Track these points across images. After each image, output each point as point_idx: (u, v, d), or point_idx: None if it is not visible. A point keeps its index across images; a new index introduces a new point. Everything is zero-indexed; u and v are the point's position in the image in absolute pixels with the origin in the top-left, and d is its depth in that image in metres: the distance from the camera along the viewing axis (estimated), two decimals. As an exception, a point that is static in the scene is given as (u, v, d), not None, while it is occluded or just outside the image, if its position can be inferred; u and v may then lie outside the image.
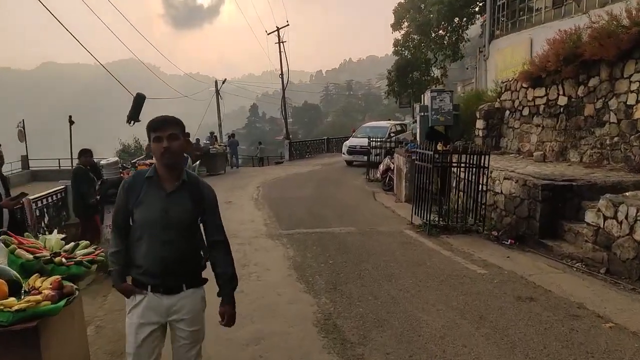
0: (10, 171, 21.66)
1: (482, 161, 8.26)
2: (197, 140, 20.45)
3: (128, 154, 21.99)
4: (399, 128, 22.84)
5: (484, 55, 19.20)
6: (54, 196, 8.03)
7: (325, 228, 9.04)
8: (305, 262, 6.74)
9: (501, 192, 8.45)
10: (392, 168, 14.44)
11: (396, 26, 27.48)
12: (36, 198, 7.33)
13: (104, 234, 6.78)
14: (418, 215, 9.03)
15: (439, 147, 8.95)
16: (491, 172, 8.55)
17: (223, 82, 30.49)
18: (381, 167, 15.46)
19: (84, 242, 3.86)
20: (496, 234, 8.01)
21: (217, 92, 30.07)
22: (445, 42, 24.90)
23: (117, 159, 7.50)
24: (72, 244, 3.75)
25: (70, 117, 9.44)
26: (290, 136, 32.19)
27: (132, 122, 9.44)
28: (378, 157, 16.85)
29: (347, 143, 21.09)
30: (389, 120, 29.69)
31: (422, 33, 25.01)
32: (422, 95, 14.82)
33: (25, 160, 21.93)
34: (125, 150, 22.66)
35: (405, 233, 8.53)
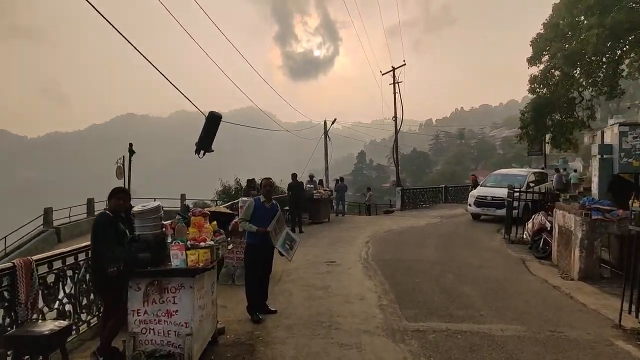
0: (103, 209, 21.28)
1: None
2: (301, 183, 18.26)
3: (228, 195, 20.47)
4: (538, 177, 18.90)
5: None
6: (86, 252, 5.18)
7: (474, 323, 5.77)
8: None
9: None
10: (548, 228, 10.74)
11: (534, 60, 23.47)
12: (45, 258, 4.63)
13: (130, 323, 4.11)
14: (635, 315, 5.45)
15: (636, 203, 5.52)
16: None
17: (332, 123, 28.51)
18: (530, 225, 11.79)
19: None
20: None
21: (325, 132, 28.11)
22: (601, 75, 20.38)
23: (158, 204, 4.51)
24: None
25: (130, 145, 7.19)
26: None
27: (203, 152, 6.85)
28: (515, 210, 13.17)
29: (475, 193, 17.50)
30: (543, 168, 25.41)
31: (571, 65, 20.75)
32: (600, 132, 11.03)
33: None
34: (226, 191, 21.18)
35: (619, 348, 4.96)
